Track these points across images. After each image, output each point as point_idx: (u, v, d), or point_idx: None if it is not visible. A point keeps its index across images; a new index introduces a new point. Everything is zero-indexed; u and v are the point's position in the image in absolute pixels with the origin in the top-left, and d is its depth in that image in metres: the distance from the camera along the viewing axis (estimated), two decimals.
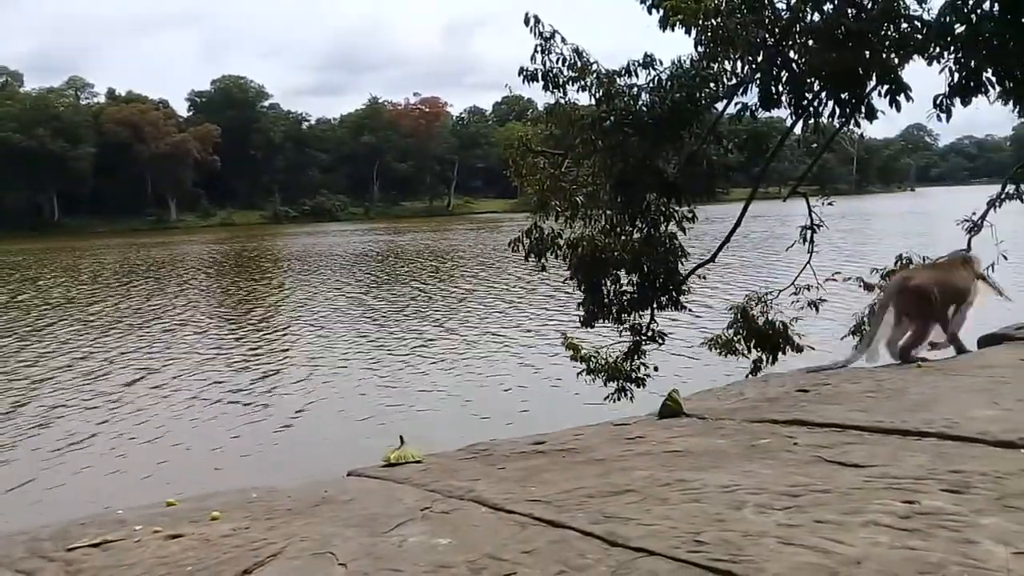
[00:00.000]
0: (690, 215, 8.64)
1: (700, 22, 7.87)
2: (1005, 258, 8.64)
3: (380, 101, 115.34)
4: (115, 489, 7.86)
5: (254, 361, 14.57)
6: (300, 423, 10.38)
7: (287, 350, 15.60)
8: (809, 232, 9.15)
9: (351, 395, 11.79)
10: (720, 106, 8.80)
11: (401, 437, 4.05)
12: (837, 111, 8.12)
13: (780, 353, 8.90)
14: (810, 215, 9.15)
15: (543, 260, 8.72)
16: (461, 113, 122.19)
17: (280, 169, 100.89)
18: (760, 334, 8.92)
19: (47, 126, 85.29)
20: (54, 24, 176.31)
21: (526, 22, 8.14)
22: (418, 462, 3.67)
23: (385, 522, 2.32)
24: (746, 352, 9.04)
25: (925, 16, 7.76)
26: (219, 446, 9.46)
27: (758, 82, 8.08)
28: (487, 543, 1.94)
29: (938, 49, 7.55)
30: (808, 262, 9.31)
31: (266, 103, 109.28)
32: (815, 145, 10.06)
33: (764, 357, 8.91)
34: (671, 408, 3.54)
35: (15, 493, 8.23)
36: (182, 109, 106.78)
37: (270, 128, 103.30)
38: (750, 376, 7.87)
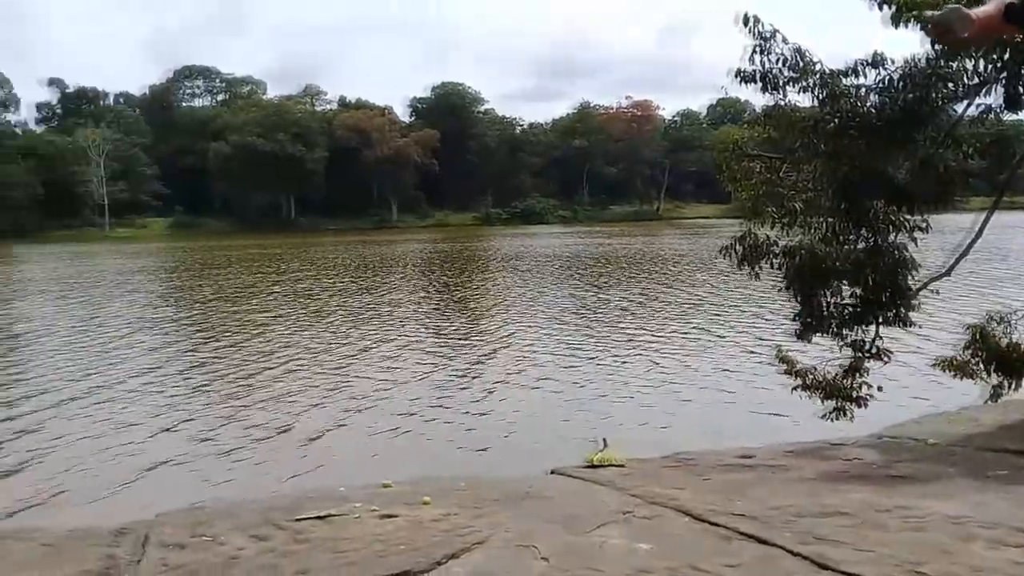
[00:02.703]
0: (923, 225, 8.02)
1: None
2: None
3: (591, 105, 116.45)
4: (340, 466, 8.46)
5: (468, 354, 15.16)
6: (506, 417, 10.68)
7: (502, 345, 16.09)
8: None
9: (558, 394, 11.96)
10: (959, 107, 8.10)
11: (604, 440, 4.09)
12: None
13: None
14: None
15: (756, 268, 8.43)
16: (673, 116, 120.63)
17: (493, 172, 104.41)
18: (1002, 357, 8.11)
19: (286, 131, 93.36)
20: (293, 37, 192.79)
21: (744, 22, 7.90)
22: (620, 466, 3.68)
23: (586, 522, 2.35)
24: (985, 376, 8.25)
25: None
26: (431, 434, 9.95)
27: (1003, 81, 7.37)
28: (689, 553, 1.91)
29: None
30: None
31: (482, 108, 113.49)
32: None
33: (1007, 383, 8.09)
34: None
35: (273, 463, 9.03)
36: (404, 115, 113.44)
37: (485, 133, 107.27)
38: (988, 402, 7.20)
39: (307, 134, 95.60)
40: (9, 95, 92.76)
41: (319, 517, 3.24)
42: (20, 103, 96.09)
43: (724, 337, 16.35)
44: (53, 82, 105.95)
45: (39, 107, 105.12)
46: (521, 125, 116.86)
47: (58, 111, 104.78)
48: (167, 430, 10.21)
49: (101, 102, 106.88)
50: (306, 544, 2.87)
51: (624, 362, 14.06)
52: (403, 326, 18.82)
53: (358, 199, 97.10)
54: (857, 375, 8.40)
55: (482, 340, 16.87)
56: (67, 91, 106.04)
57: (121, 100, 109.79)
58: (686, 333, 17.00)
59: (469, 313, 21.58)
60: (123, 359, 15.01)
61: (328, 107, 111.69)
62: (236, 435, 9.91)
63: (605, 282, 28.51)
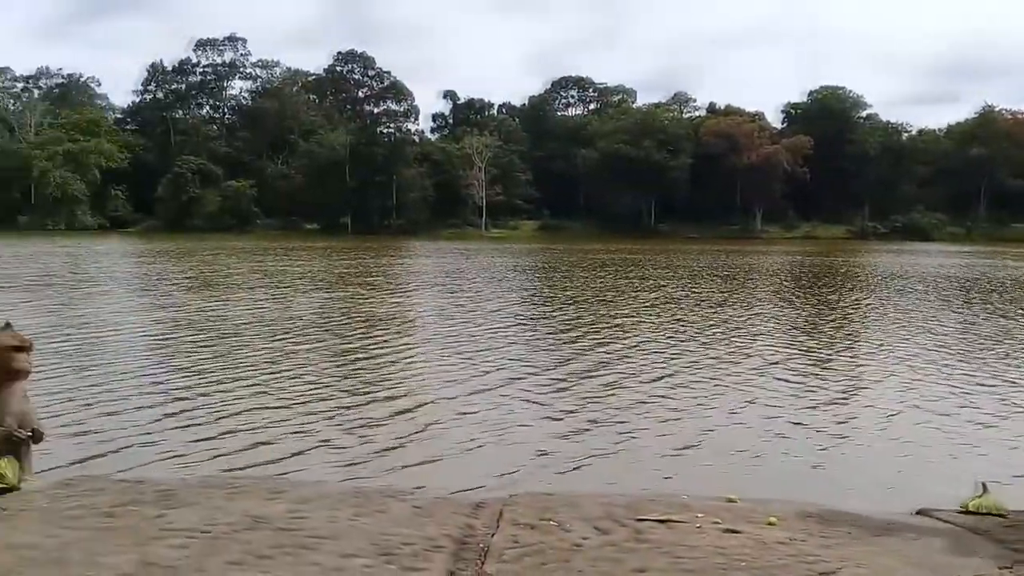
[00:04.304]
0: None
1: None
2: None
3: (996, 109, 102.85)
4: (684, 473, 8.45)
5: (840, 375, 14.22)
6: (870, 446, 9.85)
7: (878, 368, 14.86)
8: None
9: (935, 427, 10.72)
10: None
11: (984, 484, 3.64)
12: None
13: None
14: None
15: None
16: None
17: (871, 182, 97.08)
18: None
19: (652, 138, 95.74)
20: (667, 47, 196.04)
21: None
22: (1001, 516, 3.30)
23: (954, 571, 2.11)
24: None
25: None
26: (786, 453, 9.53)
27: None
28: None
29: None
30: None
31: (863, 113, 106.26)
32: None
33: None
34: None
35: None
36: (776, 121, 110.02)
37: (865, 139, 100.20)
38: None
39: (673, 141, 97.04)
40: (411, 106, 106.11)
41: (660, 520, 3.30)
42: (419, 114, 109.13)
43: None
44: (447, 94, 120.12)
45: (434, 117, 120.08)
46: (908, 131, 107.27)
47: (449, 120, 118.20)
48: (535, 420, 10.92)
49: (486, 112, 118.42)
50: (645, 544, 2.94)
51: (1009, 402, 12.26)
52: (772, 341, 18.20)
53: (720, 207, 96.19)
54: None
55: (858, 362, 15.73)
56: (458, 102, 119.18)
57: (503, 110, 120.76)
58: None
59: (846, 333, 20.23)
60: (503, 351, 16.26)
61: (696, 114, 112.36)
62: (602, 427, 10.28)
63: (1012, 309, 25.06)
